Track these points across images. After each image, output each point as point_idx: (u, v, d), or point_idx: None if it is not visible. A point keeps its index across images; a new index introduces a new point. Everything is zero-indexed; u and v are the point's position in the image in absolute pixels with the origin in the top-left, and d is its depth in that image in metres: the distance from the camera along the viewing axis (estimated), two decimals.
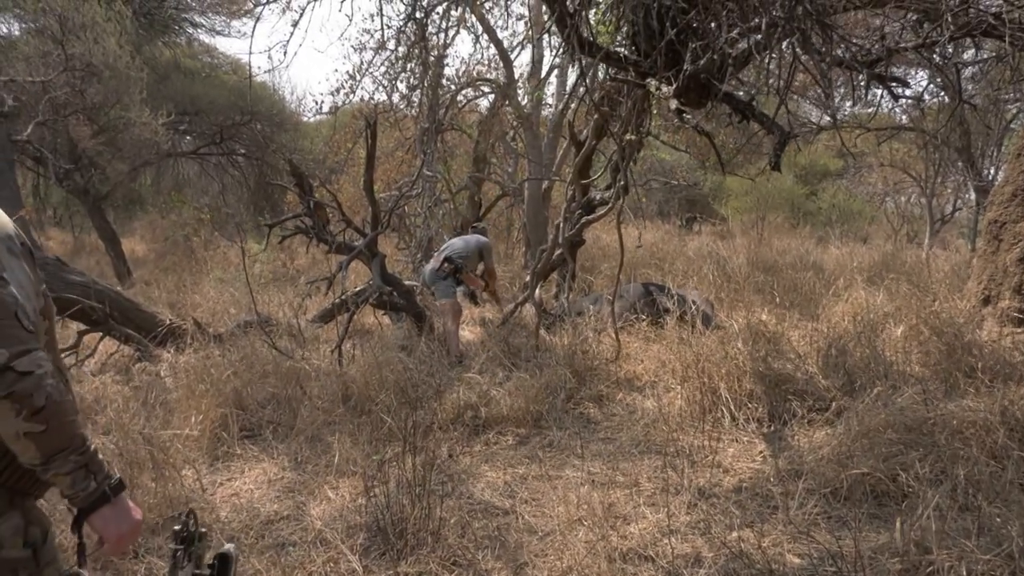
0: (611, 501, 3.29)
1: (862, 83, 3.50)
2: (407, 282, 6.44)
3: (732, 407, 4.20)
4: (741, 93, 4.72)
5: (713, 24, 3.64)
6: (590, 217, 6.19)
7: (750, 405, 4.23)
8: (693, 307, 5.46)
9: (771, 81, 3.60)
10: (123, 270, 11.50)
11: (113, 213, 15.52)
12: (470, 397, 4.50)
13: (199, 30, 16.91)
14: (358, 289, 6.17)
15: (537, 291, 6.26)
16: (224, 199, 15.64)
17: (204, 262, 10.66)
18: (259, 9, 6.17)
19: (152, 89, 12.56)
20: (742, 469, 3.64)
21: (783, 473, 3.47)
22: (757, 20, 3.25)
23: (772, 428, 4.10)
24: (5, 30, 12.46)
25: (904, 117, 11.85)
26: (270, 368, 4.84)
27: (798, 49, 3.04)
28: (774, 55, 3.21)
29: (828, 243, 12.52)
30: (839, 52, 3.11)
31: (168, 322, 5.86)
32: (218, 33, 17.10)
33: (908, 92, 4.19)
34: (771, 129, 3.84)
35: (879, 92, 3.81)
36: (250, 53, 5.24)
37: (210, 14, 16.37)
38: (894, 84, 3.51)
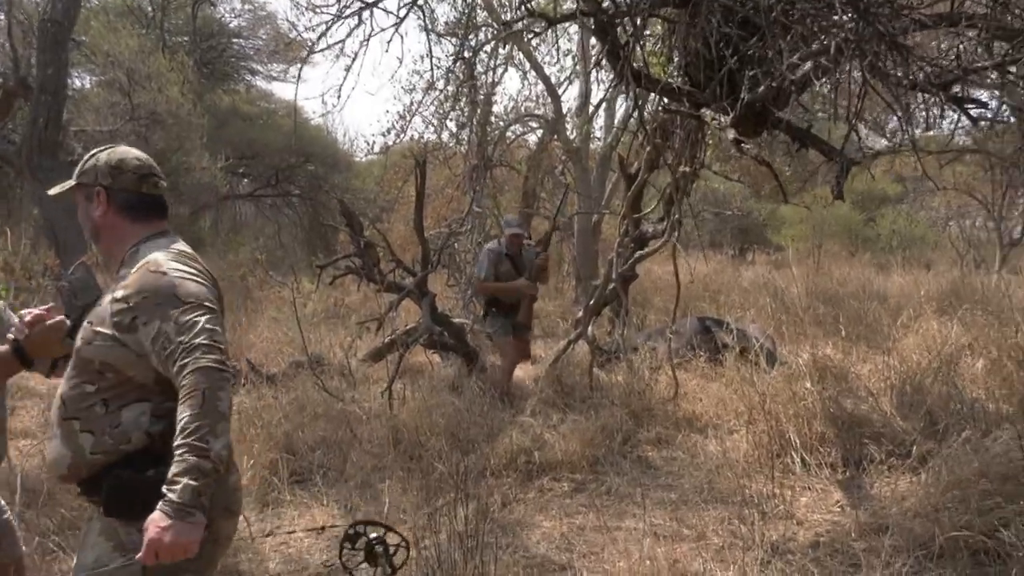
0: (676, 556, 3.08)
1: (936, 106, 3.29)
2: (457, 321, 6.34)
3: (803, 451, 3.94)
4: (801, 115, 4.54)
5: (771, 51, 3.49)
6: (643, 252, 6.02)
7: (822, 449, 3.96)
8: (755, 343, 5.21)
9: (839, 105, 3.42)
10: None
11: None
12: (523, 441, 4.34)
13: (257, 77, 17.57)
14: (408, 328, 6.10)
15: (590, 328, 6.08)
16: (279, 239, 15.97)
17: (259, 302, 10.80)
18: (312, 56, 6.27)
19: (212, 134, 12.99)
20: (818, 521, 3.39)
21: (865, 527, 3.21)
22: (820, 42, 3.09)
23: (848, 474, 3.82)
24: (78, 83, 13.10)
25: (967, 139, 11.36)
26: (321, 411, 4.78)
27: (867, 73, 2.87)
28: (841, 80, 3.04)
29: (890, 271, 12.00)
30: (915, 74, 2.93)
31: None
32: (275, 79, 17.72)
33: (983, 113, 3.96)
34: (832, 156, 3.65)
35: (953, 114, 3.59)
36: (294, 98, 5.28)
37: (267, 62, 16.99)
38: (971, 106, 3.30)
